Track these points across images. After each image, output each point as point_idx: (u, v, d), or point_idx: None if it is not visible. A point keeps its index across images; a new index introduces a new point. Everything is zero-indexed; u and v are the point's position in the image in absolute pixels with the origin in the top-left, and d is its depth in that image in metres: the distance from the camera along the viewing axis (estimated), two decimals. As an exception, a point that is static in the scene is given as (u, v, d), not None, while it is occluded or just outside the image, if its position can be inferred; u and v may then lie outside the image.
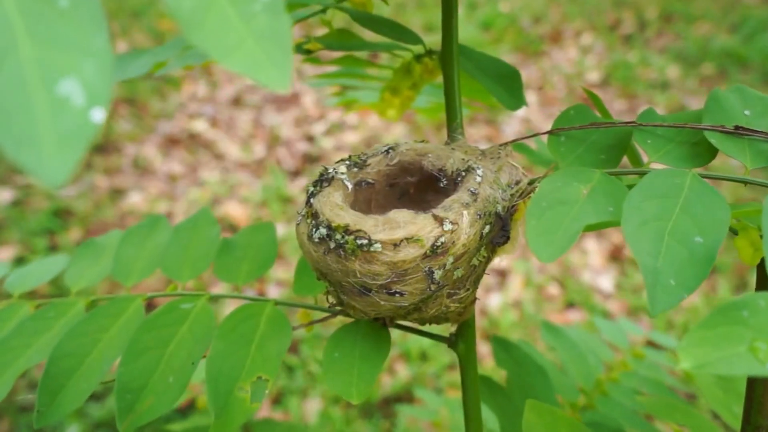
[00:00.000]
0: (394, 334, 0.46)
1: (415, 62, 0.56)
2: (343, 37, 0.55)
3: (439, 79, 0.54)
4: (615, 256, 1.94)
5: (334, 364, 0.43)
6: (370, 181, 0.46)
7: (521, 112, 2.42)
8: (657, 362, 0.79)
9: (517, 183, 0.44)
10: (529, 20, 3.34)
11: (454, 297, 0.41)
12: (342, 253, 0.38)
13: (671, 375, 0.79)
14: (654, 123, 0.43)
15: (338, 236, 0.38)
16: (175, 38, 0.49)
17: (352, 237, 0.38)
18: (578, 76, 2.85)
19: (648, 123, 0.43)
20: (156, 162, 2.32)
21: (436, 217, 0.38)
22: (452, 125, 0.49)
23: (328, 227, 0.39)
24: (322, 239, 0.39)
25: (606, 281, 1.86)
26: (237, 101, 2.70)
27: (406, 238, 0.37)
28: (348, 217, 0.39)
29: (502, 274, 1.89)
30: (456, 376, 1.58)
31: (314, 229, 0.40)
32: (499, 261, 0.44)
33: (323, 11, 0.52)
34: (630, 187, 0.35)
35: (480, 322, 1.73)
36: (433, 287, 0.39)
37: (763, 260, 0.37)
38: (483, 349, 1.60)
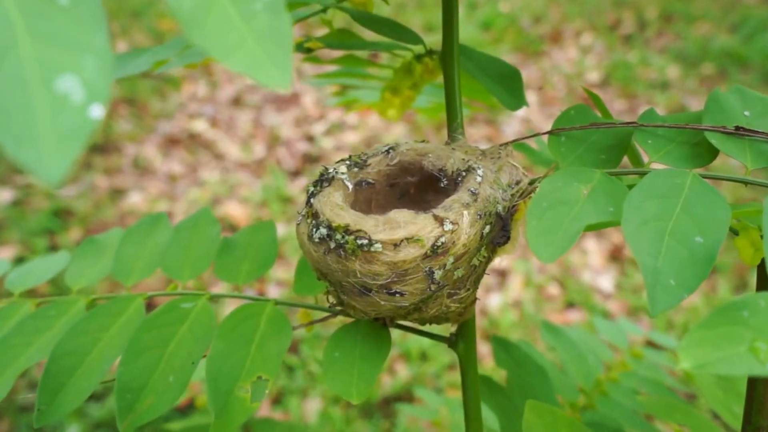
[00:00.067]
0: (395, 333, 0.46)
1: (415, 62, 0.56)
2: (344, 37, 0.55)
3: (440, 79, 0.54)
4: (615, 256, 1.94)
5: (334, 363, 0.43)
6: (370, 181, 0.46)
7: (521, 112, 2.42)
8: (657, 362, 0.79)
9: (518, 183, 0.44)
10: (529, 20, 3.34)
11: (454, 297, 0.41)
12: (342, 253, 0.38)
13: (671, 375, 0.79)
14: (655, 123, 0.43)
15: (338, 236, 0.38)
16: (176, 38, 0.49)
17: (352, 237, 0.38)
18: (578, 76, 2.85)
19: (649, 123, 0.43)
20: (156, 162, 2.32)
21: (436, 217, 0.38)
22: (453, 125, 0.49)
23: (329, 227, 0.39)
24: (322, 239, 0.39)
25: (606, 281, 1.86)
26: (237, 101, 2.70)
27: (407, 238, 0.37)
28: (348, 217, 0.39)
29: (502, 274, 1.89)
30: (456, 376, 1.58)
31: (314, 229, 0.40)
32: (499, 261, 0.44)
33: (324, 11, 0.52)
34: (630, 187, 0.35)
35: (480, 322, 1.73)
36: (433, 287, 0.39)
37: (763, 260, 0.37)
38: (483, 349, 1.60)
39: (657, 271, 0.30)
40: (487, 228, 0.40)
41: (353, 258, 0.38)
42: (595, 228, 0.37)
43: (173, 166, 2.31)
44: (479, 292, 0.45)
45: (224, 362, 0.41)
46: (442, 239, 0.38)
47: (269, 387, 0.41)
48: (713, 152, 0.41)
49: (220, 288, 1.31)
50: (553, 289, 1.85)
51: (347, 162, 0.46)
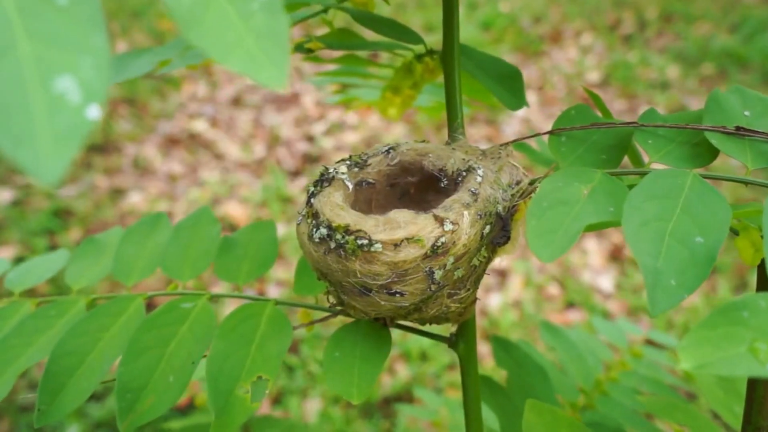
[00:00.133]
0: (395, 333, 0.46)
1: (416, 62, 0.56)
2: (344, 37, 0.55)
3: (440, 78, 0.54)
4: (615, 256, 1.94)
5: (334, 363, 0.43)
6: (370, 181, 0.46)
7: (521, 112, 2.42)
8: (657, 361, 0.79)
9: (518, 183, 0.44)
10: (529, 20, 3.34)
11: (454, 297, 0.41)
12: (342, 253, 0.38)
13: (671, 374, 0.79)
14: (655, 123, 0.43)
15: (339, 236, 0.38)
16: (176, 39, 0.49)
17: (352, 237, 0.38)
18: (578, 76, 2.85)
19: (649, 123, 0.43)
20: (156, 162, 2.32)
21: (436, 218, 0.38)
22: (453, 125, 0.49)
23: (329, 227, 0.39)
24: (322, 239, 0.39)
25: (606, 281, 1.86)
26: (237, 101, 2.70)
27: (407, 239, 0.37)
28: (348, 217, 0.39)
29: (502, 274, 1.89)
30: (456, 376, 1.58)
31: (315, 229, 0.40)
32: (499, 261, 0.44)
33: (325, 11, 0.52)
34: (631, 187, 0.35)
35: (480, 322, 1.73)
36: (433, 287, 0.39)
37: (763, 261, 0.37)
38: (483, 349, 1.60)
39: (657, 272, 0.30)
40: (488, 228, 0.40)
41: (353, 258, 0.38)
42: (596, 228, 0.37)
43: (173, 166, 2.31)
44: (479, 292, 0.45)
45: (224, 362, 0.41)
46: (443, 239, 0.38)
47: (269, 387, 0.41)
48: (713, 152, 0.41)
49: (220, 288, 1.31)
50: (553, 289, 1.85)
51: (347, 162, 0.46)
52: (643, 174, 0.37)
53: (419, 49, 0.56)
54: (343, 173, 0.44)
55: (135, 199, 2.12)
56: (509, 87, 0.52)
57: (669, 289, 0.30)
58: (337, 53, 0.61)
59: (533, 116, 2.56)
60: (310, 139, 2.47)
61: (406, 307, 0.40)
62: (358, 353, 0.43)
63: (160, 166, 2.30)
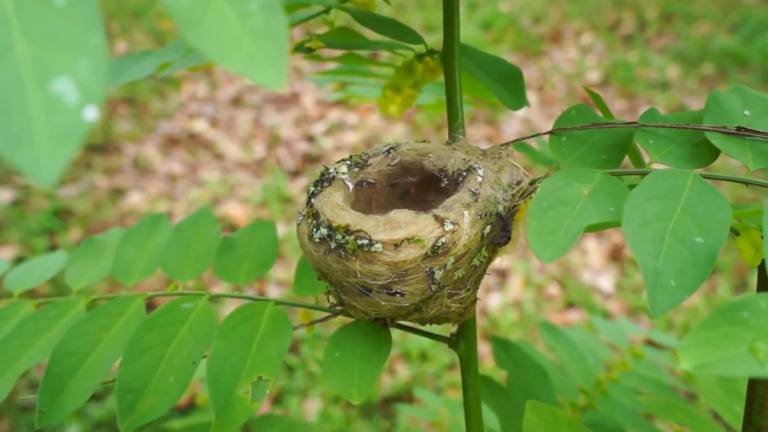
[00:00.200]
0: (395, 333, 0.46)
1: (416, 61, 0.56)
2: (345, 36, 0.55)
3: (441, 77, 0.54)
4: (615, 256, 1.94)
5: (334, 364, 0.43)
6: (371, 181, 0.46)
7: (521, 112, 2.42)
8: (657, 362, 0.79)
9: (518, 183, 0.43)
10: (529, 20, 3.34)
11: (454, 297, 0.41)
12: (343, 253, 0.38)
13: (671, 374, 0.79)
14: (656, 123, 0.43)
15: (339, 236, 0.38)
16: (177, 40, 0.49)
17: (352, 237, 0.38)
18: (578, 76, 2.85)
19: (650, 123, 0.43)
20: (156, 162, 2.32)
21: (437, 218, 0.38)
22: (454, 125, 0.49)
23: (329, 227, 0.39)
24: (322, 239, 0.39)
25: (606, 281, 1.86)
26: (237, 101, 2.70)
27: (407, 239, 0.37)
28: (349, 217, 0.39)
29: (503, 274, 1.89)
30: (456, 376, 1.58)
31: (315, 229, 0.40)
32: (499, 261, 0.44)
33: (326, 11, 0.52)
34: (631, 187, 0.35)
35: (480, 322, 1.73)
36: (433, 287, 0.39)
37: (764, 261, 0.37)
38: (483, 349, 1.59)
39: (657, 272, 0.30)
40: (488, 228, 0.40)
41: (353, 258, 0.38)
42: (596, 228, 0.37)
43: (173, 166, 2.31)
44: (479, 292, 0.45)
45: (225, 362, 0.41)
46: (443, 239, 0.38)
47: (269, 387, 0.41)
48: (714, 152, 0.41)
49: (220, 288, 1.31)
50: (553, 289, 1.85)
51: (348, 162, 0.46)
52: (643, 174, 0.37)
53: (420, 48, 0.56)
54: (343, 173, 0.44)
55: (135, 199, 2.12)
56: (510, 86, 0.52)
57: (669, 290, 0.29)
58: (337, 52, 0.61)
59: (533, 116, 2.56)
60: (310, 139, 2.47)
61: (406, 307, 0.40)
62: (358, 353, 0.43)
63: (160, 166, 2.30)
